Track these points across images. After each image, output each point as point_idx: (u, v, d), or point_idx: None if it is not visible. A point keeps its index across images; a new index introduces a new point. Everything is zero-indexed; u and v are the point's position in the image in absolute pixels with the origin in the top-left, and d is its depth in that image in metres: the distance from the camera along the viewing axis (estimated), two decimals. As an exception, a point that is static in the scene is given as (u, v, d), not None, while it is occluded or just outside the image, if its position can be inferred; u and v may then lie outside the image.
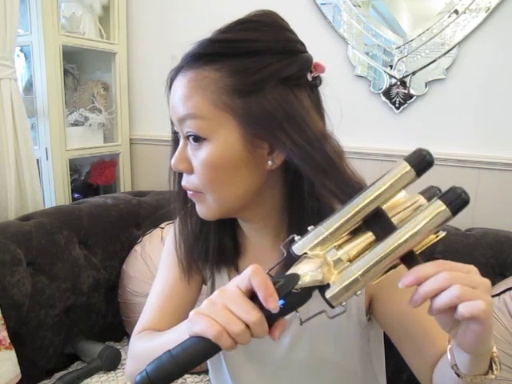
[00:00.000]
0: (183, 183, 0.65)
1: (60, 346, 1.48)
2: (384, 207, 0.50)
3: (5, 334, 1.26)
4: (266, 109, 0.58)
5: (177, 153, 0.64)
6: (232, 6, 1.75)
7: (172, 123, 0.66)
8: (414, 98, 1.56)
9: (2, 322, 1.26)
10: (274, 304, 0.47)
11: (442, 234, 0.49)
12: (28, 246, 1.40)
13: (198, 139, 0.60)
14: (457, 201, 0.47)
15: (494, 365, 0.53)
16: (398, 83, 1.57)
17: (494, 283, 1.18)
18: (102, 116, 1.99)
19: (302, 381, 0.77)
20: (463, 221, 1.43)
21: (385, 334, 0.82)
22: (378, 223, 0.50)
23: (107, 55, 2.02)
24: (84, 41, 1.88)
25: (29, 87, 1.83)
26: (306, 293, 0.50)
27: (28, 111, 1.66)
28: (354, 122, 1.63)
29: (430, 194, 0.51)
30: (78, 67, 2.10)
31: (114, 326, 1.69)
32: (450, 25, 1.47)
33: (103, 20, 2.00)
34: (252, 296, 0.49)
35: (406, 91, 1.57)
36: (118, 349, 1.54)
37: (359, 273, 0.48)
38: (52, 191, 1.81)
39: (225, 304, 0.49)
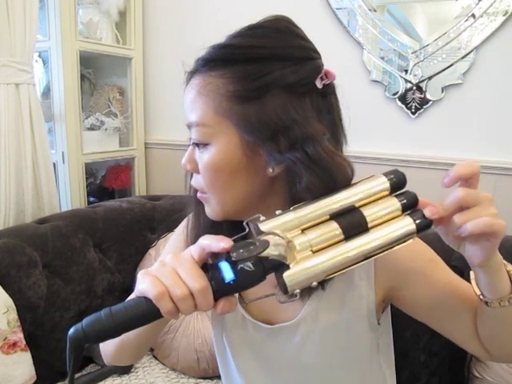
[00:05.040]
0: (191, 182, 0.68)
1: (74, 348, 1.49)
2: (360, 203, 0.53)
3: (20, 335, 1.27)
4: (262, 118, 0.58)
5: (186, 154, 0.66)
6: (248, 11, 1.76)
7: None
8: (431, 102, 1.55)
9: (18, 323, 1.27)
10: (226, 240, 0.48)
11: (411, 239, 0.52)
12: (44, 248, 1.42)
13: (202, 144, 0.62)
14: (424, 223, 0.51)
15: None
16: (414, 88, 1.56)
17: None
18: (117, 120, 2.01)
19: (311, 382, 0.76)
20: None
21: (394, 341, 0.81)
22: (349, 219, 0.51)
23: (123, 60, 2.04)
24: (101, 46, 1.90)
25: (46, 92, 1.86)
26: (260, 273, 0.48)
27: (45, 115, 1.68)
28: (369, 127, 1.62)
29: (405, 198, 0.53)
30: (95, 72, 2.12)
31: (128, 329, 1.69)
32: (466, 29, 1.46)
33: (120, 26, 2.02)
34: (204, 266, 0.49)
35: (422, 96, 1.55)
36: (132, 352, 1.55)
37: (322, 264, 0.49)
38: (68, 195, 1.83)
39: (174, 267, 0.49)
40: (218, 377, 1.45)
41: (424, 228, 0.52)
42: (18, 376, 1.23)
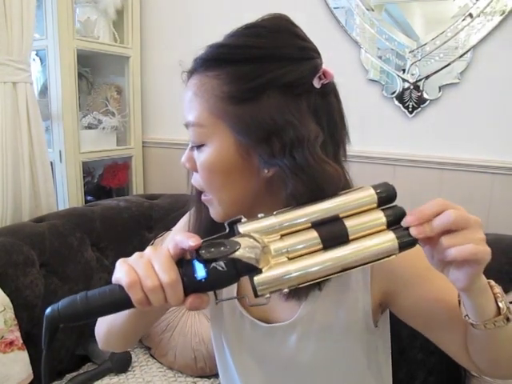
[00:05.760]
0: (191, 180, 0.68)
1: (72, 347, 1.49)
2: (344, 214, 0.52)
3: (17, 334, 1.27)
4: (256, 119, 0.58)
5: (185, 152, 0.67)
6: (246, 9, 1.75)
7: None
8: (428, 102, 1.55)
9: (15, 322, 1.27)
10: (194, 238, 0.48)
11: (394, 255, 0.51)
12: (41, 247, 1.42)
13: (198, 144, 0.63)
14: (407, 241, 0.50)
15: (500, 304, 0.54)
16: (412, 87, 1.56)
17: (508, 290, 1.16)
18: (115, 119, 2.01)
19: (309, 382, 0.76)
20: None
21: (393, 341, 0.81)
22: (330, 229, 0.51)
23: (121, 59, 2.04)
24: (98, 45, 1.90)
25: (44, 91, 1.85)
26: (233, 274, 0.48)
27: (43, 114, 1.68)
28: (366, 126, 1.62)
29: (392, 213, 0.52)
30: (92, 71, 2.12)
31: (125, 328, 1.69)
32: (464, 28, 1.46)
33: (117, 24, 2.02)
34: (179, 262, 0.50)
35: (419, 95, 1.56)
36: (129, 351, 1.55)
37: (295, 272, 0.49)
38: (65, 193, 1.83)
39: (150, 259, 0.50)
40: (215, 376, 1.45)
41: (407, 246, 0.51)
42: (14, 375, 1.23)
